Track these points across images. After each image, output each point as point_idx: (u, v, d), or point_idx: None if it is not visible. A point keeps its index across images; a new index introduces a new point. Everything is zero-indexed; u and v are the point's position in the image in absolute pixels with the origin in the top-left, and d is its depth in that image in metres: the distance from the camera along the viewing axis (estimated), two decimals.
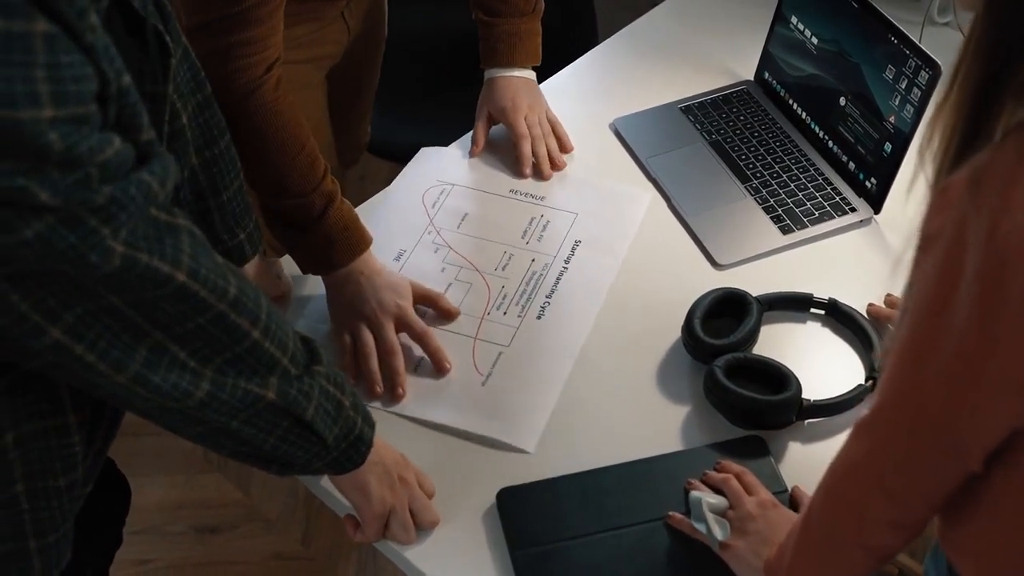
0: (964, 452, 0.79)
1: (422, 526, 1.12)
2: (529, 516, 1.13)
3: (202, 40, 1.17)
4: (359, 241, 1.30)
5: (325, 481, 1.16)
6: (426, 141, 1.63)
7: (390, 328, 1.27)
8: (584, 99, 1.67)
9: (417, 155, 1.58)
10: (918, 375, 0.78)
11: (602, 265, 1.40)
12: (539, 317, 1.33)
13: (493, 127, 1.59)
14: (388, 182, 1.55)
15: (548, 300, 1.36)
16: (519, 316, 1.34)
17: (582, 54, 1.76)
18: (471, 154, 1.56)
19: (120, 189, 0.76)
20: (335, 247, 1.28)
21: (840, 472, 0.89)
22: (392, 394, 1.25)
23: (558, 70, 1.70)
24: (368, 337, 1.27)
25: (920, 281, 0.76)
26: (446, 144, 1.60)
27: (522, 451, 1.19)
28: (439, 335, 1.30)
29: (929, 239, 0.75)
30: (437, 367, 1.27)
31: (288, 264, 1.41)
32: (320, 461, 1.02)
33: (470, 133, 1.61)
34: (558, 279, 1.38)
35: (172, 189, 0.84)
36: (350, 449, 1.03)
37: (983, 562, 0.86)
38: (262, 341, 0.92)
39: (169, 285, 0.82)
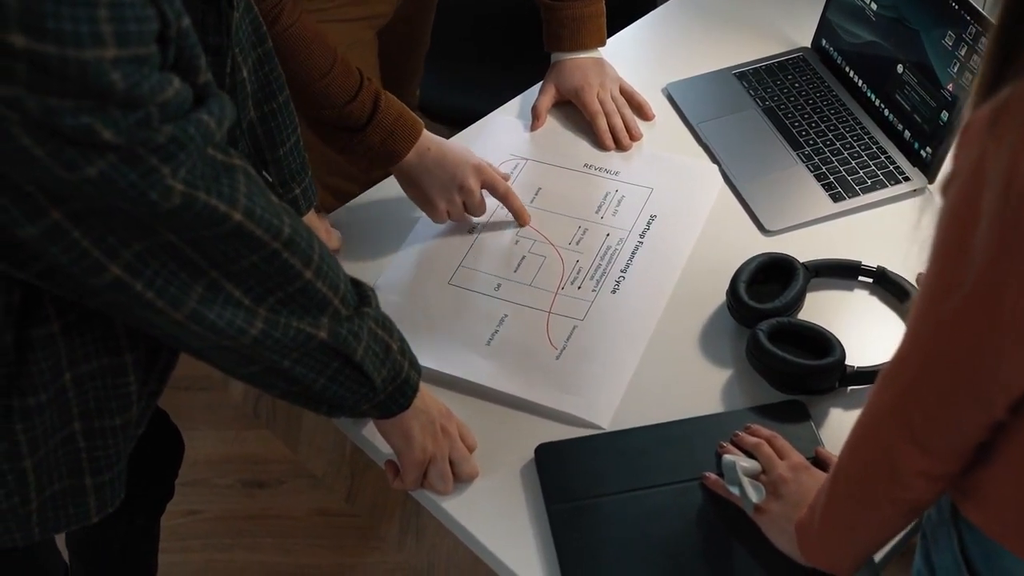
0: (989, 398, 0.78)
1: (461, 478, 1.13)
2: (567, 472, 1.13)
3: None
4: (414, 124, 1.36)
5: (366, 430, 1.18)
6: (477, 105, 1.63)
7: (478, 189, 1.37)
8: (639, 63, 1.66)
9: (487, 125, 1.58)
10: (939, 317, 0.77)
11: (677, 240, 1.38)
12: (614, 292, 1.32)
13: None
14: None
15: (623, 275, 1.34)
16: (593, 291, 1.33)
17: (642, 16, 1.75)
18: (532, 128, 1.56)
19: (180, 128, 0.78)
20: (395, 137, 1.34)
21: (868, 424, 0.87)
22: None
23: (614, 33, 1.69)
24: (460, 206, 1.38)
25: (940, 220, 0.75)
26: (495, 107, 1.60)
27: (597, 426, 1.18)
28: (513, 310, 1.31)
29: (951, 177, 0.73)
30: (521, 222, 1.40)
31: (338, 218, 1.42)
32: (367, 403, 1.04)
33: (518, 98, 1.61)
34: (633, 253, 1.37)
35: (228, 129, 0.85)
36: (396, 392, 1.05)
37: (991, 507, 0.85)
38: (314, 281, 0.93)
39: (226, 224, 0.84)
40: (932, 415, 0.81)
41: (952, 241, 0.74)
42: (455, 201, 1.37)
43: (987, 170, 0.69)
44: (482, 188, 1.38)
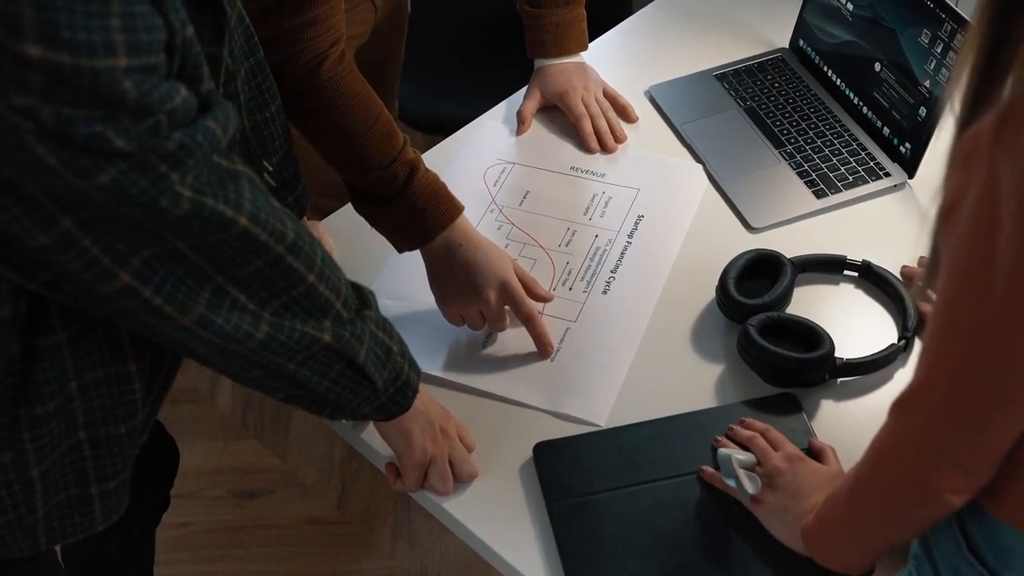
0: (1022, 402, 0.78)
1: (460, 478, 1.15)
2: (565, 469, 1.15)
3: (265, 26, 1.16)
4: (449, 208, 1.26)
5: (365, 434, 1.19)
6: (462, 111, 1.64)
7: (498, 305, 1.25)
8: (620, 67, 1.68)
9: (474, 129, 1.59)
10: (969, 331, 0.77)
11: (665, 239, 1.40)
12: (605, 292, 1.34)
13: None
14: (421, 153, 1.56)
15: (613, 275, 1.36)
16: (584, 292, 1.35)
17: (619, 22, 1.78)
18: (518, 133, 1.58)
19: (188, 136, 0.79)
20: (425, 216, 1.24)
21: (891, 452, 0.88)
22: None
23: (595, 38, 1.71)
24: (476, 316, 1.27)
25: (953, 241, 0.75)
26: (479, 114, 1.62)
27: (595, 425, 1.20)
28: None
29: (956, 196, 0.74)
30: (542, 351, 1.26)
31: (332, 223, 1.43)
32: (369, 405, 1.05)
33: (504, 103, 1.63)
34: (622, 254, 1.39)
35: (231, 136, 0.87)
36: (397, 394, 1.06)
37: (1013, 501, 0.86)
38: (317, 284, 0.95)
39: (232, 228, 0.85)
40: (968, 432, 0.81)
41: (976, 256, 0.74)
42: (471, 311, 1.27)
43: (1000, 180, 0.70)
44: (505, 305, 1.27)
